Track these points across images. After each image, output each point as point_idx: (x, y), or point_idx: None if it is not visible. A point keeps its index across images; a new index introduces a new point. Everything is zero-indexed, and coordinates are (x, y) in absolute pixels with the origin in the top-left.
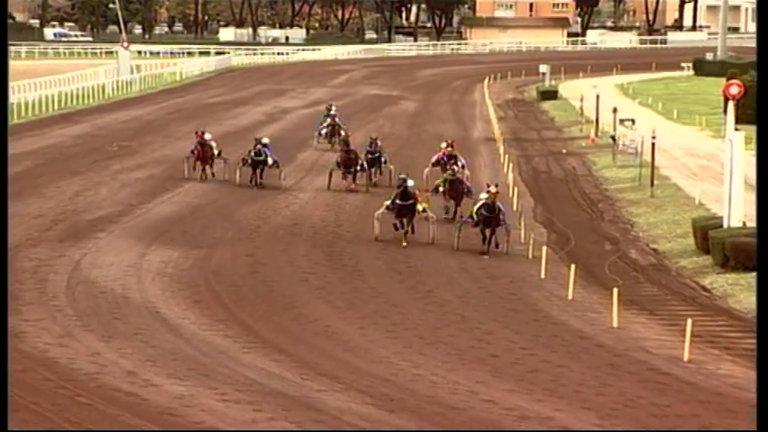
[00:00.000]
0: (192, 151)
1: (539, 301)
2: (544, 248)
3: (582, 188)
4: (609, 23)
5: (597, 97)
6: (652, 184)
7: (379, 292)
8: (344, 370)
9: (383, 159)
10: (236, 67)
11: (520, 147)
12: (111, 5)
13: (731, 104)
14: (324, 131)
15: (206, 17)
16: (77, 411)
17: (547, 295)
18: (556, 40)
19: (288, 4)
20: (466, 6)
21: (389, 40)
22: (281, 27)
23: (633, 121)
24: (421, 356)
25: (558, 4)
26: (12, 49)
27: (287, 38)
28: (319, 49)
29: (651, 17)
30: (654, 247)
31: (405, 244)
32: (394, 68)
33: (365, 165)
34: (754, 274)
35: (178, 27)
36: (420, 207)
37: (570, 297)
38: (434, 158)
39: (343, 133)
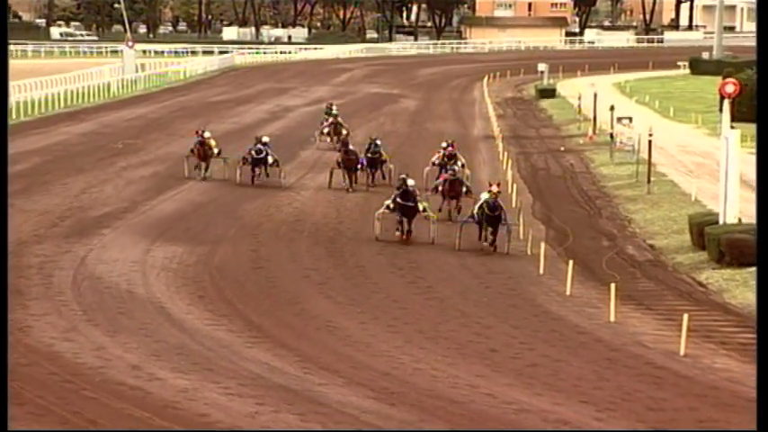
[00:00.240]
0: (192, 150)
1: (537, 296)
2: (542, 245)
3: (580, 185)
4: (606, 23)
5: (595, 95)
6: (649, 181)
7: (380, 288)
8: (346, 364)
9: (383, 159)
10: (239, 65)
11: (519, 144)
12: (116, 5)
13: (727, 103)
14: (326, 130)
15: (209, 17)
16: (83, 405)
17: (545, 291)
18: (554, 39)
19: (290, 4)
20: (465, 6)
21: (390, 40)
22: (283, 26)
23: (630, 119)
24: (421, 351)
25: (556, 4)
26: (18, 48)
27: (289, 37)
28: (321, 49)
29: (648, 17)
30: (650, 243)
31: (404, 237)
32: (395, 67)
33: (365, 164)
34: (750, 269)
35: (182, 26)
36: (421, 207)
37: (568, 292)
38: (435, 158)
39: (344, 132)
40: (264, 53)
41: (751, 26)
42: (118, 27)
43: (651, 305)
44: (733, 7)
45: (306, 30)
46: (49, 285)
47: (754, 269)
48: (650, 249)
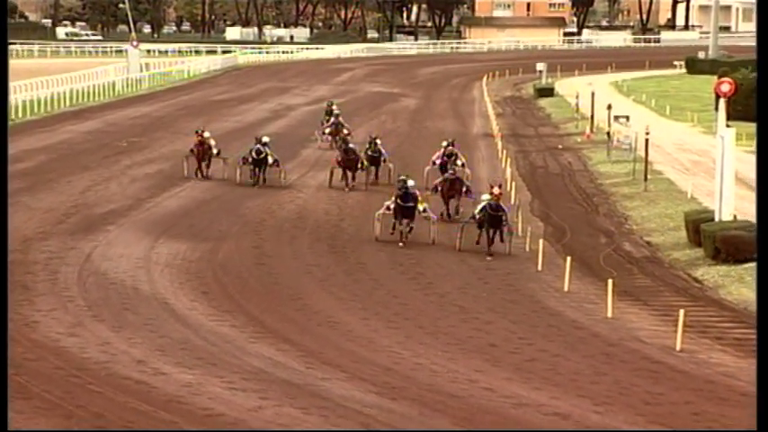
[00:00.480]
0: (192, 150)
1: (536, 292)
2: (541, 241)
3: (577, 183)
4: (604, 23)
5: (592, 94)
6: (645, 179)
7: (381, 284)
8: (348, 359)
9: (383, 158)
10: (242, 65)
11: (517, 142)
12: (120, 5)
13: (722, 101)
14: (327, 130)
15: (213, 17)
16: (88, 399)
17: (544, 287)
18: (552, 39)
19: (292, 4)
20: (465, 6)
21: (391, 39)
22: (285, 26)
23: (627, 117)
24: (421, 346)
25: (554, 4)
26: (24, 47)
27: (291, 37)
28: (323, 48)
29: (645, 17)
30: (647, 239)
31: (401, 244)
32: (395, 66)
33: (365, 164)
34: (745, 265)
35: (186, 26)
36: (421, 207)
37: (566, 288)
38: (435, 156)
39: (346, 132)
40: (267, 53)
41: (746, 26)
42: (123, 27)
43: (648, 301)
44: (728, 7)
45: (308, 30)
46: (54, 281)
47: (749, 265)
48: (647, 246)
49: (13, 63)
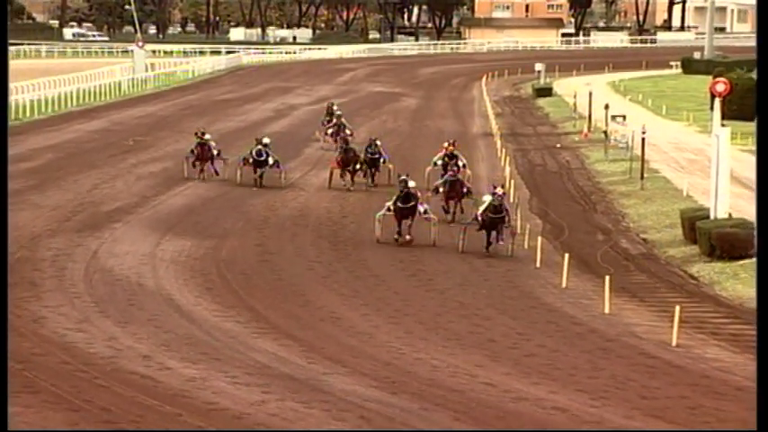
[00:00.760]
0: (192, 151)
1: (534, 288)
2: (539, 238)
3: (575, 181)
4: (601, 24)
5: (590, 94)
6: (642, 177)
7: (382, 280)
8: (349, 354)
9: (382, 159)
10: (245, 65)
11: (516, 141)
12: (126, 7)
13: (717, 101)
14: (330, 131)
15: (217, 18)
16: (95, 393)
17: (542, 283)
18: (550, 39)
19: (295, 6)
20: (465, 7)
21: (392, 40)
22: (288, 27)
23: (624, 117)
24: (422, 341)
25: (552, 5)
26: (32, 48)
27: (294, 37)
28: (325, 49)
29: (641, 18)
30: (644, 237)
31: (408, 238)
32: (396, 67)
33: (363, 164)
34: (740, 262)
35: (190, 27)
36: (422, 208)
37: (564, 285)
38: (436, 157)
39: (348, 132)
40: (270, 53)
41: (740, 27)
42: (128, 28)
43: (644, 297)
44: (723, 9)
45: (310, 30)
46: (62, 278)
47: (744, 262)
48: (643, 243)
49: (21, 63)
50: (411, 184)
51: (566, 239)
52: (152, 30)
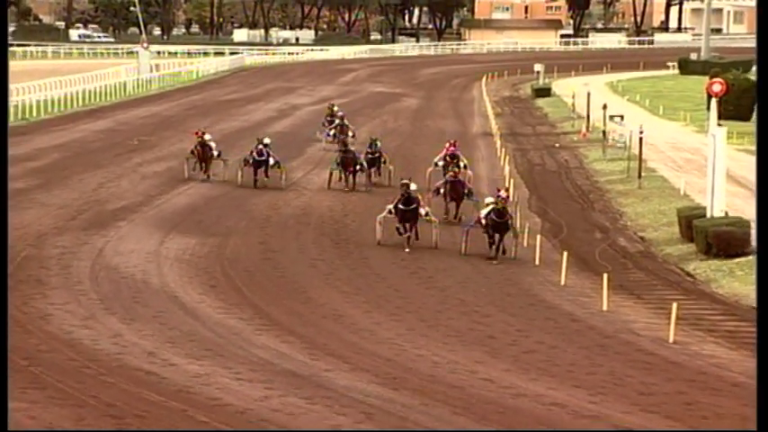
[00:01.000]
0: (192, 151)
1: (533, 286)
2: (538, 237)
3: (574, 180)
4: (599, 25)
5: (588, 94)
6: (639, 176)
7: (384, 278)
8: (351, 351)
9: (383, 160)
10: (248, 66)
11: (515, 141)
12: (131, 8)
13: (714, 101)
14: (332, 132)
15: (221, 19)
16: (100, 389)
17: (541, 281)
18: (549, 40)
19: (298, 7)
20: (465, 9)
21: (393, 41)
22: (291, 28)
23: (622, 116)
24: (423, 338)
25: (551, 7)
26: (39, 49)
27: (297, 39)
28: (327, 50)
29: (639, 19)
30: (641, 235)
31: (407, 249)
32: (397, 67)
33: (365, 165)
34: (736, 260)
35: (195, 29)
36: (423, 211)
37: (563, 282)
38: (437, 158)
39: (350, 134)
40: (273, 54)
41: (737, 28)
42: (133, 29)
43: (642, 294)
44: (720, 10)
45: (313, 32)
46: (68, 275)
47: (740, 260)
48: (641, 241)
49: (28, 64)
50: (413, 187)
51: (564, 238)
52: (157, 31)
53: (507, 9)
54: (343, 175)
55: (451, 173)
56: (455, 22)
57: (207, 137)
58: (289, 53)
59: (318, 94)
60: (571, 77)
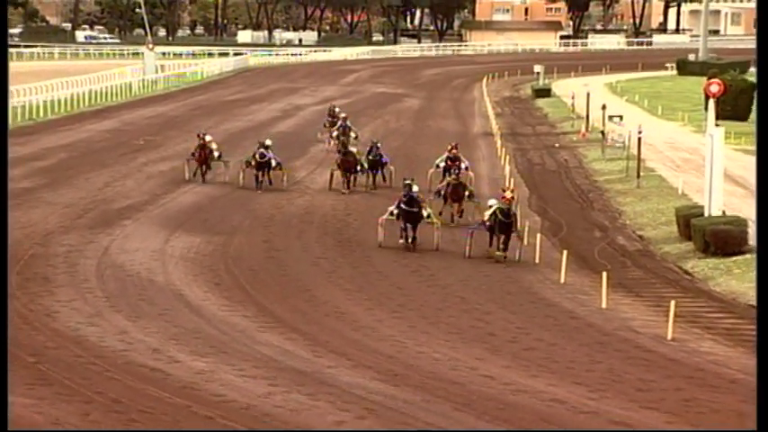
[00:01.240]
0: (193, 153)
1: (533, 284)
2: (538, 235)
3: (573, 179)
4: (599, 26)
5: (587, 95)
6: (638, 176)
7: (386, 276)
8: (353, 347)
9: (384, 162)
10: (252, 67)
11: (516, 141)
12: (137, 10)
13: (712, 102)
14: (335, 134)
15: (225, 21)
16: (106, 385)
17: (541, 279)
18: (549, 42)
19: (301, 9)
20: (466, 11)
21: (395, 42)
22: (294, 30)
23: (621, 117)
24: (424, 335)
25: (551, 9)
26: (45, 50)
27: (300, 40)
28: (330, 51)
29: (638, 21)
30: (640, 234)
31: (408, 245)
32: (399, 68)
33: (365, 167)
34: (733, 258)
35: (199, 30)
36: (425, 213)
37: (562, 280)
38: (439, 160)
39: (353, 135)
40: (277, 55)
41: (734, 30)
42: (139, 30)
43: (640, 292)
44: (717, 12)
45: (316, 33)
46: (74, 273)
47: (737, 258)
48: (639, 240)
49: (35, 65)
50: (415, 188)
51: (564, 236)
52: (162, 32)
53: (508, 11)
54: (344, 178)
55: (453, 176)
56: (456, 23)
57: (207, 138)
58: (292, 54)
59: (321, 95)
60: (571, 78)
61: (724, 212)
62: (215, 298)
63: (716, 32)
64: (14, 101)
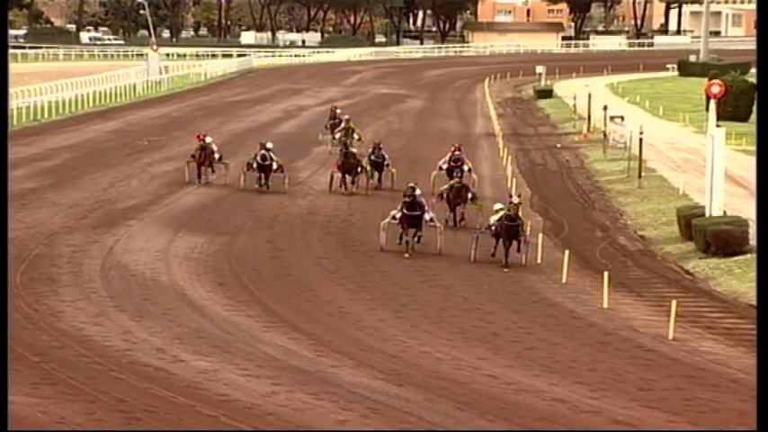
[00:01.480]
0: (193, 155)
1: (535, 284)
2: (540, 235)
3: (575, 180)
4: (600, 28)
5: (589, 96)
6: (639, 176)
7: (388, 276)
8: (356, 347)
9: (386, 163)
10: (256, 68)
11: (518, 141)
12: (141, 11)
13: (713, 103)
14: (338, 135)
15: (228, 22)
16: (110, 385)
17: (543, 278)
18: (551, 43)
19: (304, 10)
20: (468, 12)
21: (398, 43)
22: (297, 31)
23: (622, 117)
24: (427, 335)
25: (553, 10)
26: (50, 51)
27: (303, 41)
28: (333, 52)
29: (639, 22)
30: (641, 234)
31: (407, 255)
32: (402, 69)
33: (365, 168)
34: (734, 258)
35: (203, 31)
36: (428, 216)
37: (564, 280)
38: (441, 162)
39: (356, 137)
40: (280, 56)
41: (735, 31)
42: (143, 32)
43: (642, 292)
44: (718, 13)
45: (319, 34)
46: (78, 273)
47: (738, 258)
48: (641, 240)
49: (40, 66)
50: (418, 192)
51: (566, 236)
52: (166, 34)
53: (510, 12)
54: (344, 179)
55: (456, 179)
56: (458, 24)
57: (208, 140)
58: (295, 55)
59: (324, 96)
60: (572, 79)
61: (725, 213)
62: (219, 298)
63: (717, 34)
64: (19, 102)
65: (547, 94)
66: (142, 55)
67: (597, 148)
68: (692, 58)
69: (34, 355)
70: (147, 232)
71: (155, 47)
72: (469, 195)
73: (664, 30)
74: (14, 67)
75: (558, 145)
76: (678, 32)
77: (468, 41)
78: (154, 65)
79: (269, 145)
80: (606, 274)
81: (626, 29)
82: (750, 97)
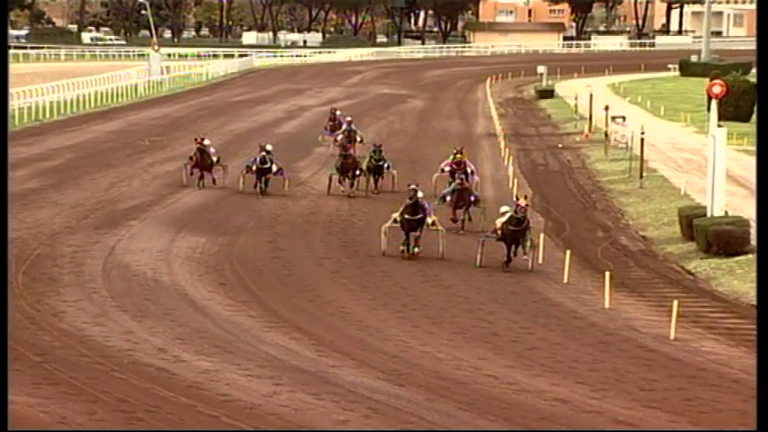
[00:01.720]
0: (191, 158)
1: (537, 284)
2: (542, 235)
3: (576, 180)
4: (602, 28)
5: (590, 96)
6: (641, 176)
7: (390, 276)
8: (357, 347)
9: (386, 165)
10: (257, 68)
11: (519, 141)
12: (143, 12)
13: (714, 103)
14: (339, 137)
15: (230, 22)
16: (112, 385)
17: (544, 278)
18: (552, 43)
19: (305, 10)
20: (470, 12)
21: (399, 44)
22: (299, 31)
23: (624, 117)
24: (428, 335)
25: (554, 10)
26: (52, 51)
27: (305, 41)
28: (334, 52)
29: (640, 22)
30: (643, 234)
31: (417, 250)
32: (403, 69)
33: (364, 170)
34: (735, 259)
35: (204, 31)
36: (430, 220)
37: (566, 280)
38: (443, 164)
39: (359, 139)
40: (282, 56)
41: (736, 31)
42: (144, 32)
43: (643, 292)
44: (720, 13)
45: (320, 34)
46: (80, 273)
47: (739, 258)
48: (642, 240)
49: (41, 66)
50: (420, 195)
51: (567, 236)
52: (167, 34)
53: (511, 12)
54: (343, 179)
55: (458, 180)
56: (460, 24)
57: (206, 142)
58: (296, 55)
59: (326, 96)
60: (574, 79)
61: (726, 213)
62: (220, 298)
63: (718, 34)
64: (21, 102)
65: (548, 94)
66: (144, 55)
67: (598, 149)
68: (694, 59)
69: (36, 356)
70: (149, 232)
71: (156, 47)
72: (472, 198)
73: (665, 30)
74: (16, 68)
75: (560, 145)
76: (679, 33)
77: (470, 41)
78: (155, 65)
79: (269, 147)
80: (608, 274)
81: (627, 29)
82: (751, 97)
